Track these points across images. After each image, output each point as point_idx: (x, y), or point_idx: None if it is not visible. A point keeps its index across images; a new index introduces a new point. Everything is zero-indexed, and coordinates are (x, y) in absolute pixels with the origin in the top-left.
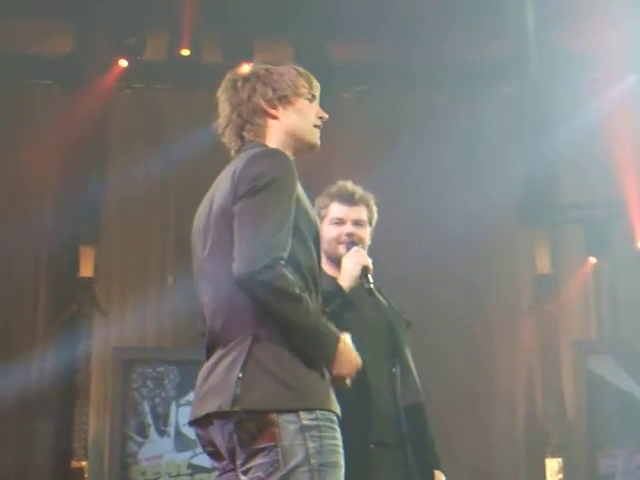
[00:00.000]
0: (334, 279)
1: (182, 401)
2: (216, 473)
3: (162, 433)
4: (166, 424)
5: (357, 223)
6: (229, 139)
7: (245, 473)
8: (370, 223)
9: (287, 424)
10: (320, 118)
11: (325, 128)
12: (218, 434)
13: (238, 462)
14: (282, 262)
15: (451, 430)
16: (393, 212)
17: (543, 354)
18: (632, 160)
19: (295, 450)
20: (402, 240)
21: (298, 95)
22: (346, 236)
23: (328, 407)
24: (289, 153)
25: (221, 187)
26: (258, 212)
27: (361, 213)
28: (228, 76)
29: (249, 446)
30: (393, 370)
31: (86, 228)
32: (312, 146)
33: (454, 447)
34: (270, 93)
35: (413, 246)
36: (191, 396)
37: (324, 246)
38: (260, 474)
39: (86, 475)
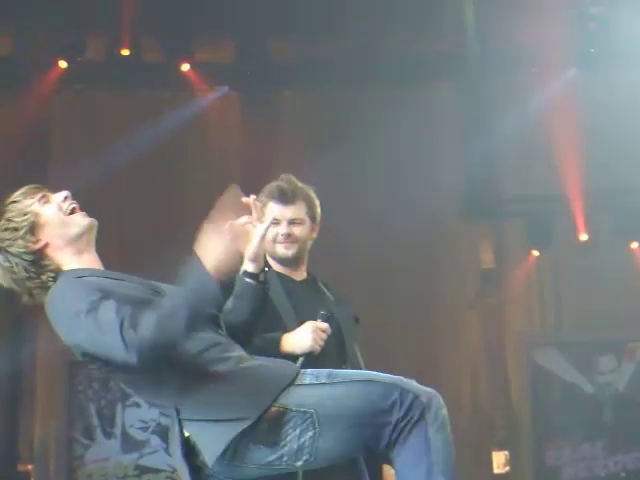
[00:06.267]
0: (285, 276)
1: (128, 402)
2: None
3: (108, 435)
4: (112, 426)
5: (293, 222)
6: None
7: None
8: (312, 218)
9: None
10: None
11: (267, 125)
12: None
13: None
14: (125, 326)
15: None
16: (337, 208)
17: (488, 348)
18: (573, 153)
19: None
20: (346, 235)
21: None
22: (282, 236)
23: None
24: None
25: None
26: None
27: (297, 211)
28: None
29: None
30: (343, 367)
31: None
32: None
33: None
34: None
35: (357, 242)
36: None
37: (266, 245)
38: None
39: (32, 479)
